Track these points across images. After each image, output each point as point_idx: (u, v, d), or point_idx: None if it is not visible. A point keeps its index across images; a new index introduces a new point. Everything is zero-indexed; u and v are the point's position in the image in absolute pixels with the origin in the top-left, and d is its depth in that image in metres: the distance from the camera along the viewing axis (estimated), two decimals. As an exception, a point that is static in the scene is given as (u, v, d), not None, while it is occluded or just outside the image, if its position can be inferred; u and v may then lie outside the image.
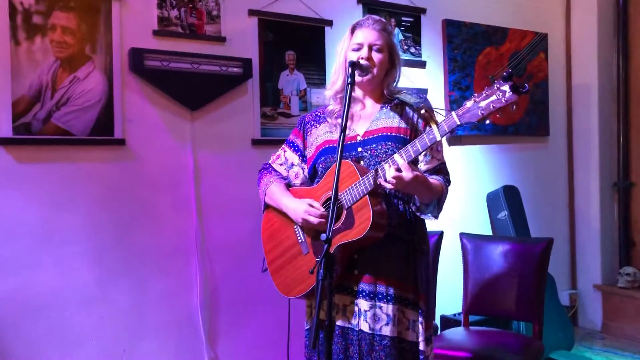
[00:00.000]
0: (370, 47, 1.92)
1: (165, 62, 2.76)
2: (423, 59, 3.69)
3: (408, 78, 3.49)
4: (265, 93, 3.10)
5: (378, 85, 1.98)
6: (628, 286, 4.17)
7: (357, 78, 1.90)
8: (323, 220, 1.85)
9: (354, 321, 1.88)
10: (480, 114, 1.62)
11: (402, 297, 1.87)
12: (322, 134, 2.02)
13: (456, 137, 3.77)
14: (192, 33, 2.90)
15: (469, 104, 1.65)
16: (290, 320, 2.09)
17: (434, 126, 1.69)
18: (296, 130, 2.13)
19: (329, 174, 1.91)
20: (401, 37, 3.59)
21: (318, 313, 1.56)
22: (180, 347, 2.88)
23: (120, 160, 2.74)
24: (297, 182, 2.10)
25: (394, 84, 2.00)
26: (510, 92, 1.58)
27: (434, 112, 1.85)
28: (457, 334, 2.89)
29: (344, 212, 1.84)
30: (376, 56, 1.92)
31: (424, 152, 1.83)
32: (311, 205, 1.89)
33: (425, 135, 1.73)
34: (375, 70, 1.92)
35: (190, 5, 2.90)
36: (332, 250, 1.62)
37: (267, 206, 2.11)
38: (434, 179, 1.86)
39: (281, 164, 2.14)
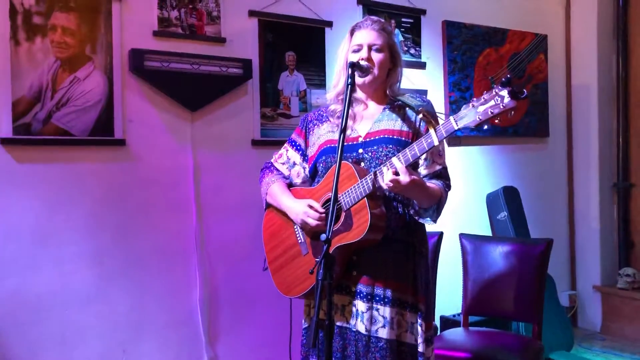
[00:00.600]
0: (369, 48, 1.92)
1: (166, 62, 2.76)
2: (423, 60, 3.69)
3: (408, 79, 3.49)
4: (265, 94, 3.11)
5: (380, 86, 1.98)
6: (627, 287, 4.17)
7: (358, 79, 1.90)
8: (321, 222, 1.86)
9: (352, 321, 1.89)
10: (478, 119, 1.62)
11: (400, 300, 1.87)
12: (324, 134, 2.02)
13: (456, 138, 3.77)
14: (192, 34, 2.91)
15: (467, 109, 1.64)
16: (292, 320, 2.09)
17: (432, 130, 1.68)
18: (298, 129, 2.14)
19: (329, 175, 1.91)
20: (401, 38, 3.60)
21: (317, 313, 1.57)
22: (180, 348, 2.89)
23: (120, 161, 2.74)
24: (299, 181, 2.11)
25: (397, 84, 2.00)
26: (509, 98, 1.57)
27: (435, 116, 1.84)
28: (456, 334, 2.89)
29: (343, 214, 1.84)
30: (376, 56, 1.92)
31: (424, 156, 1.83)
32: (310, 206, 1.90)
33: (423, 140, 1.73)
34: (375, 71, 1.92)
35: (191, 6, 2.91)
36: (330, 251, 1.62)
37: (268, 205, 2.11)
38: (433, 184, 1.86)
39: (283, 163, 2.14)
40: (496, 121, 1.62)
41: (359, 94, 2.01)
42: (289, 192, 2.04)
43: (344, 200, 1.83)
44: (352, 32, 1.98)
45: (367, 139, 1.92)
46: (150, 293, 2.81)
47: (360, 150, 1.91)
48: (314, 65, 3.26)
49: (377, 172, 1.79)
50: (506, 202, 3.88)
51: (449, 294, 3.40)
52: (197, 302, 2.91)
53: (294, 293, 1.99)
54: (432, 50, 3.74)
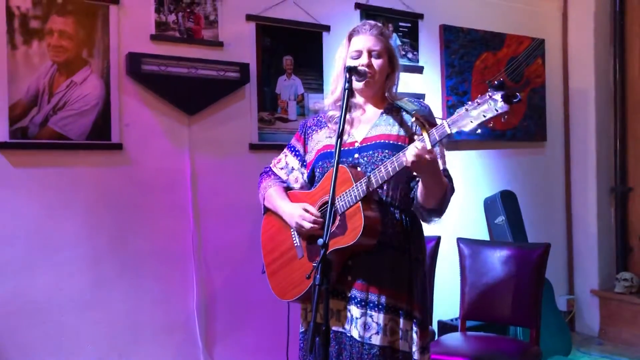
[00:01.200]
0: (369, 53, 1.91)
1: (163, 66, 2.76)
2: (420, 64, 3.70)
3: (405, 83, 3.49)
4: (262, 98, 3.10)
5: (379, 90, 1.98)
6: (625, 291, 4.17)
7: (356, 84, 1.90)
8: (316, 225, 1.85)
9: (347, 326, 1.88)
10: (471, 122, 1.61)
11: (394, 307, 1.86)
12: (322, 139, 2.02)
13: (453, 142, 3.77)
14: (189, 38, 2.90)
15: (460, 112, 1.63)
16: (289, 325, 2.08)
17: (424, 134, 1.67)
18: (298, 135, 2.14)
19: (326, 179, 1.91)
20: (399, 42, 3.60)
21: (315, 317, 1.56)
22: (177, 353, 2.87)
23: (117, 165, 2.74)
24: (297, 186, 2.11)
25: (395, 87, 2.00)
26: (502, 102, 1.55)
27: (430, 120, 1.83)
28: (454, 339, 2.88)
29: (338, 217, 1.84)
30: (376, 62, 1.92)
31: None
32: (306, 210, 1.89)
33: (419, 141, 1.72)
34: (376, 76, 1.92)
35: (188, 10, 2.91)
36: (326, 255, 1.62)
37: (267, 209, 2.11)
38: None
39: (282, 168, 2.14)
40: (490, 125, 1.61)
41: (357, 98, 2.00)
42: (286, 196, 2.04)
43: (339, 204, 1.83)
44: (349, 38, 1.97)
45: (363, 144, 1.92)
46: (146, 297, 2.80)
47: (356, 155, 1.91)
48: (311, 70, 3.26)
49: (372, 176, 1.78)
50: (504, 207, 3.88)
51: (446, 299, 3.40)
52: (193, 306, 2.90)
53: (289, 296, 1.99)
54: (429, 55, 3.75)
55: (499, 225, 3.89)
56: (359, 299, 1.86)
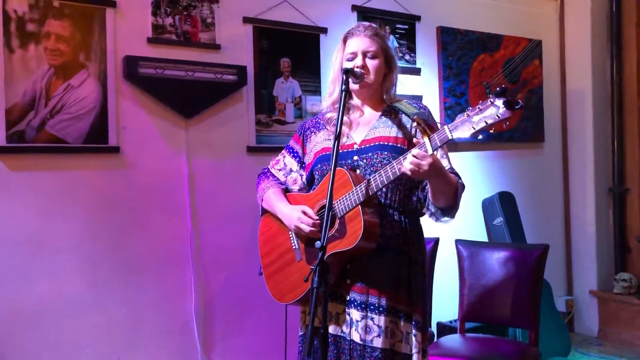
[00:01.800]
0: (364, 55, 1.92)
1: (160, 69, 2.75)
2: (418, 66, 3.70)
3: (403, 85, 3.47)
4: (260, 100, 3.10)
5: (376, 91, 1.98)
6: (624, 292, 4.17)
7: (353, 86, 1.90)
8: (315, 228, 1.85)
9: (346, 330, 1.87)
10: (472, 128, 1.60)
11: (394, 309, 1.85)
12: (320, 141, 2.01)
13: (451, 143, 3.77)
14: (186, 41, 2.90)
15: (461, 118, 1.62)
16: (287, 327, 2.08)
17: (426, 139, 1.67)
18: (296, 136, 2.13)
19: (325, 181, 1.91)
20: (396, 44, 3.60)
21: (313, 320, 1.56)
22: (175, 356, 2.87)
23: (114, 168, 2.73)
24: (295, 188, 2.10)
25: (393, 88, 2.00)
26: (504, 108, 1.55)
27: (431, 123, 1.82)
28: (453, 341, 2.88)
29: (337, 221, 1.83)
30: (371, 63, 1.92)
31: None
32: (304, 213, 1.89)
33: (417, 148, 1.71)
34: (371, 77, 1.92)
35: (185, 13, 2.90)
36: (325, 258, 1.61)
37: (264, 211, 2.11)
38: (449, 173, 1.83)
39: (280, 170, 2.14)
40: (491, 131, 1.61)
41: (355, 100, 2.01)
42: (285, 198, 2.04)
43: (339, 207, 1.82)
44: (344, 40, 1.98)
45: (362, 146, 1.92)
46: (145, 301, 2.79)
47: (356, 158, 1.91)
48: (309, 72, 3.26)
49: (372, 179, 1.78)
50: (502, 208, 3.88)
51: (445, 300, 3.40)
52: (192, 309, 2.89)
53: (287, 299, 1.98)
54: (426, 56, 3.75)
55: (497, 226, 3.89)
56: (358, 302, 1.85)
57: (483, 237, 3.97)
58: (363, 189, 1.78)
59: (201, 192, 2.94)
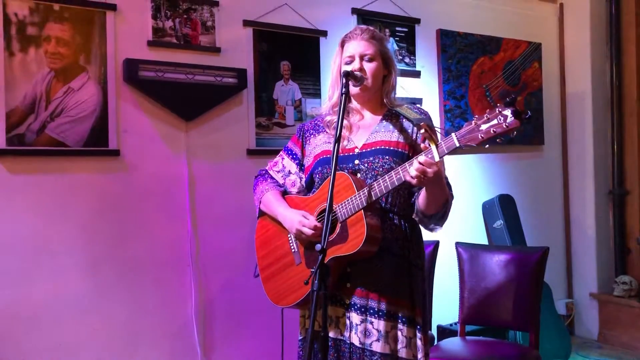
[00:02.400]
0: (361, 58, 1.92)
1: (160, 72, 2.76)
2: (417, 68, 3.70)
3: (403, 88, 3.50)
4: (260, 103, 3.10)
5: (375, 94, 1.98)
6: (624, 295, 4.16)
7: (353, 89, 1.90)
8: (316, 232, 1.84)
9: (346, 333, 1.87)
10: (480, 137, 1.59)
11: (395, 313, 1.85)
12: (320, 144, 2.01)
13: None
14: (186, 44, 2.91)
15: (469, 126, 1.61)
16: (283, 331, 2.07)
17: (433, 147, 1.66)
18: (295, 138, 2.12)
19: (325, 185, 1.90)
20: (395, 47, 3.60)
21: (313, 324, 1.55)
22: (175, 358, 2.86)
23: (114, 171, 2.73)
24: (294, 190, 2.09)
25: (393, 91, 1.99)
26: (512, 118, 1.54)
27: (435, 131, 1.82)
28: (453, 344, 2.88)
29: (339, 225, 1.83)
30: (368, 66, 1.92)
31: None
32: (305, 217, 1.88)
33: (423, 155, 1.70)
34: (369, 81, 1.92)
35: (185, 16, 2.91)
36: (325, 262, 1.61)
37: (262, 213, 2.10)
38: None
39: (278, 171, 2.13)
40: (498, 140, 1.60)
41: (354, 103, 2.00)
42: (284, 200, 2.03)
43: (340, 212, 1.82)
44: (342, 44, 1.98)
45: (364, 150, 1.91)
46: (144, 303, 2.79)
47: (357, 162, 1.90)
48: (308, 75, 3.26)
49: (374, 184, 1.77)
50: (502, 211, 3.88)
51: (445, 303, 3.39)
52: (192, 312, 2.89)
53: (285, 303, 1.97)
54: (426, 59, 3.75)
55: (497, 229, 3.89)
56: (359, 306, 1.85)
57: (483, 239, 3.97)
58: (366, 193, 1.77)
59: (201, 195, 2.94)
